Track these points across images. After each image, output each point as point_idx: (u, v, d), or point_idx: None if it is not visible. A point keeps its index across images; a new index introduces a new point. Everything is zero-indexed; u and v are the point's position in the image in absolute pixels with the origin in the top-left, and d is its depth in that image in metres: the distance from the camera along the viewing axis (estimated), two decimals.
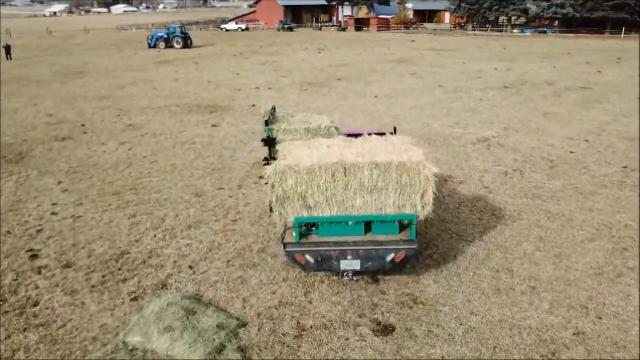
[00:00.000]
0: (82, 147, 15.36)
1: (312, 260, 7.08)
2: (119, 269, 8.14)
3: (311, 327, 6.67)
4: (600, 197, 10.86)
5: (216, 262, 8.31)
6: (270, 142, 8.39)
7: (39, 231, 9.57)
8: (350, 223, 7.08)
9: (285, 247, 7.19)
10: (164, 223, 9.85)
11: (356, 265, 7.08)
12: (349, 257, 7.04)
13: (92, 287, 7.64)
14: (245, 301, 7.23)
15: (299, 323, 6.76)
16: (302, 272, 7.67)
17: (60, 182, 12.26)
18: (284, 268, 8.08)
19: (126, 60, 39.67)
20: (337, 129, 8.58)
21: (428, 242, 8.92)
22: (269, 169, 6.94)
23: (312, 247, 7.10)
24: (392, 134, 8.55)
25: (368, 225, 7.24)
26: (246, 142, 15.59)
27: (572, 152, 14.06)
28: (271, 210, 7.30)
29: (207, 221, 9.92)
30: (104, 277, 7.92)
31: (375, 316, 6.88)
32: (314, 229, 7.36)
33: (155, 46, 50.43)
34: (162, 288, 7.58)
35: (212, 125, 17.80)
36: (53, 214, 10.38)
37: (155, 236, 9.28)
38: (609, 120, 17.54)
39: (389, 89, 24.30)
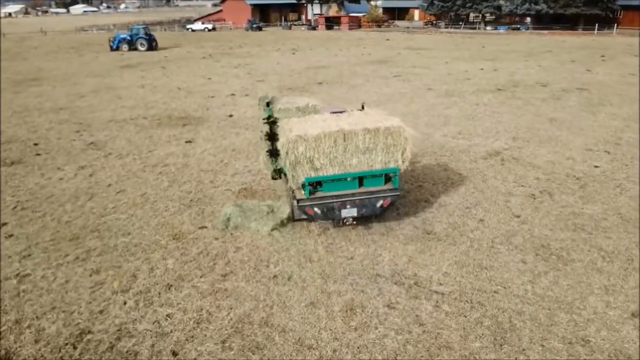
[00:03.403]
0: (34, 174, 13.07)
1: (319, 212, 8.58)
2: None
3: None
4: None
5: (207, 343, 6.36)
6: (272, 121, 9.34)
7: None
8: (349, 179, 8.60)
9: (298, 203, 8.51)
10: (136, 281, 7.81)
11: (353, 212, 8.66)
12: (348, 206, 8.58)
13: None
14: None
15: None
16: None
17: (4, 224, 10.03)
18: (296, 349, 6.19)
19: (86, 65, 36.85)
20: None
21: (470, 299, 7.17)
22: (282, 139, 8.30)
23: (319, 200, 8.54)
24: (360, 110, 9.81)
25: (361, 180, 8.73)
26: (227, 163, 13.57)
27: (596, 167, 12.58)
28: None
29: (190, 277, 7.92)
30: None
31: None
32: (318, 186, 8.65)
33: (117, 49, 47.54)
34: None
35: (186, 142, 15.69)
36: None
37: (124, 303, 7.25)
38: (620, 127, 16.20)
39: (375, 94, 22.57)
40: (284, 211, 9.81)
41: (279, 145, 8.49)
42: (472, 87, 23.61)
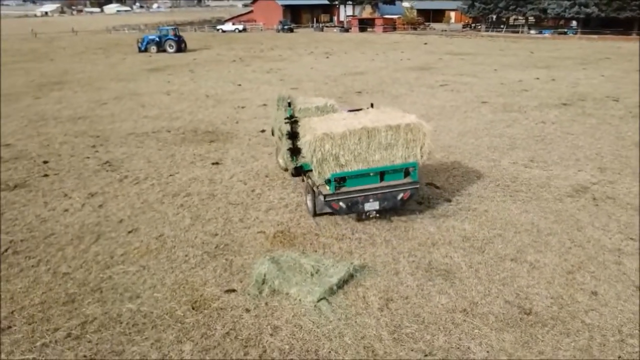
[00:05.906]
0: (37, 202, 11.24)
1: (344, 206, 8.99)
2: None
3: None
4: None
5: None
6: (294, 120, 9.71)
7: None
8: (371, 174, 9.08)
9: (325, 198, 8.87)
10: None
11: (376, 205, 9.15)
12: (371, 200, 9.08)
13: None
14: None
15: None
16: None
17: None
18: None
19: (113, 67, 35.45)
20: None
21: None
22: (308, 137, 8.61)
23: (344, 195, 8.97)
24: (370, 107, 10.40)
25: (382, 175, 9.19)
26: (260, 193, 11.50)
27: None
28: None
29: None
30: None
31: None
32: (342, 182, 8.98)
33: (145, 50, 46.21)
34: None
35: (213, 163, 13.68)
36: None
37: None
38: None
39: (423, 107, 20.22)
40: (333, 273, 7.67)
41: (302, 143, 8.91)
42: (533, 101, 21.01)
